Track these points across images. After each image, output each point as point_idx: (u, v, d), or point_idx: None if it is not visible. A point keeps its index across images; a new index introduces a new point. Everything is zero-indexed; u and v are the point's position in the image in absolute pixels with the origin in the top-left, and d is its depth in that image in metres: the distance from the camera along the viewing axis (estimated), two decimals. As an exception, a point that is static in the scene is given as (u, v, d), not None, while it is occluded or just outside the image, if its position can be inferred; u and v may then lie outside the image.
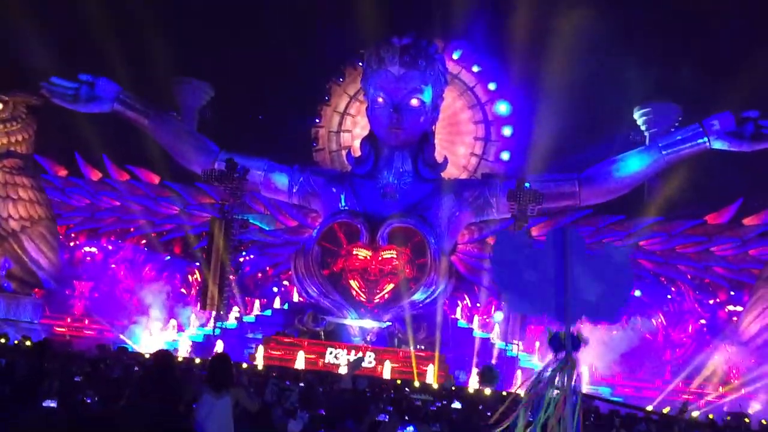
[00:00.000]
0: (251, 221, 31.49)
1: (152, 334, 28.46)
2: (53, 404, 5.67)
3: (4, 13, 31.41)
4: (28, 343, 20.25)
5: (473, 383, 24.82)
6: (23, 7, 30.72)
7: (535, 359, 28.09)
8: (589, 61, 32.51)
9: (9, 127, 29.57)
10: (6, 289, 28.88)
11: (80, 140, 33.36)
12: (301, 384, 14.57)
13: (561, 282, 2.83)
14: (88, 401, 6.88)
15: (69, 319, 31.16)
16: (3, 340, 22.23)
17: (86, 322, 31.33)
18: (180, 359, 24.52)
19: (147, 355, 21.48)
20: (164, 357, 6.43)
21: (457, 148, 34.70)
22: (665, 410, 20.79)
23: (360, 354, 25.27)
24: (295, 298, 32.16)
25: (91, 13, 32.04)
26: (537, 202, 28.48)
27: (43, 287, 30.18)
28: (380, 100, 29.84)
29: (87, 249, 34.25)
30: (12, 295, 28.87)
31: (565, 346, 2.95)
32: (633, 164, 30.75)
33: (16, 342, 22.05)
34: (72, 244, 33.89)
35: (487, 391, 21.31)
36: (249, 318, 31.38)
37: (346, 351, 26.84)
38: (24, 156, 30.17)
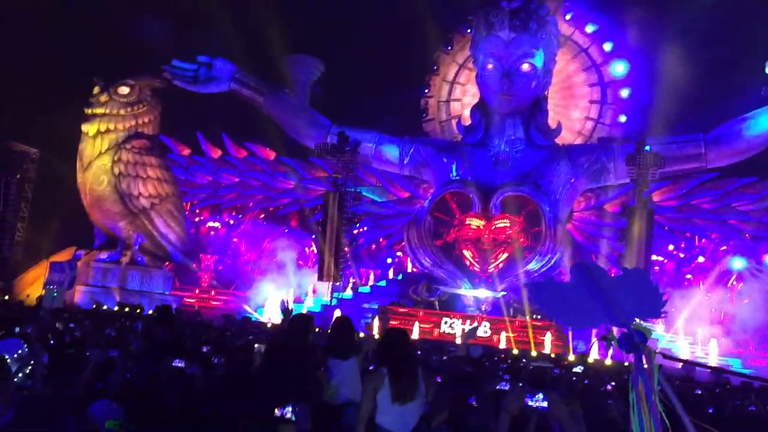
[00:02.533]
0: (364, 193, 31.90)
1: (273, 305, 29.52)
2: (181, 364, 6.00)
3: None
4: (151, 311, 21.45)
5: (593, 353, 24.21)
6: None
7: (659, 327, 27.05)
8: (713, 9, 30.27)
9: (136, 110, 31.31)
10: (140, 263, 30.84)
11: (201, 120, 34.84)
12: (419, 352, 14.68)
13: (601, 298, 2.78)
14: (216, 362, 7.27)
15: (197, 291, 32.85)
16: (139, 311, 23.80)
17: (212, 293, 32.96)
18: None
19: (269, 325, 22.31)
20: (302, 322, 6.24)
21: (572, 113, 33.62)
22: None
23: (475, 323, 25.18)
24: (409, 268, 32.44)
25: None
26: (658, 166, 27.23)
27: (173, 261, 31.94)
28: (490, 66, 29.29)
29: (210, 224, 35.97)
30: (145, 268, 30.81)
31: (632, 345, 2.75)
32: (765, 122, 28.71)
33: (150, 312, 23.50)
34: (197, 219, 35.65)
35: (608, 361, 20.77)
36: (365, 288, 31.98)
37: (461, 320, 26.84)
38: (151, 137, 31.91)
